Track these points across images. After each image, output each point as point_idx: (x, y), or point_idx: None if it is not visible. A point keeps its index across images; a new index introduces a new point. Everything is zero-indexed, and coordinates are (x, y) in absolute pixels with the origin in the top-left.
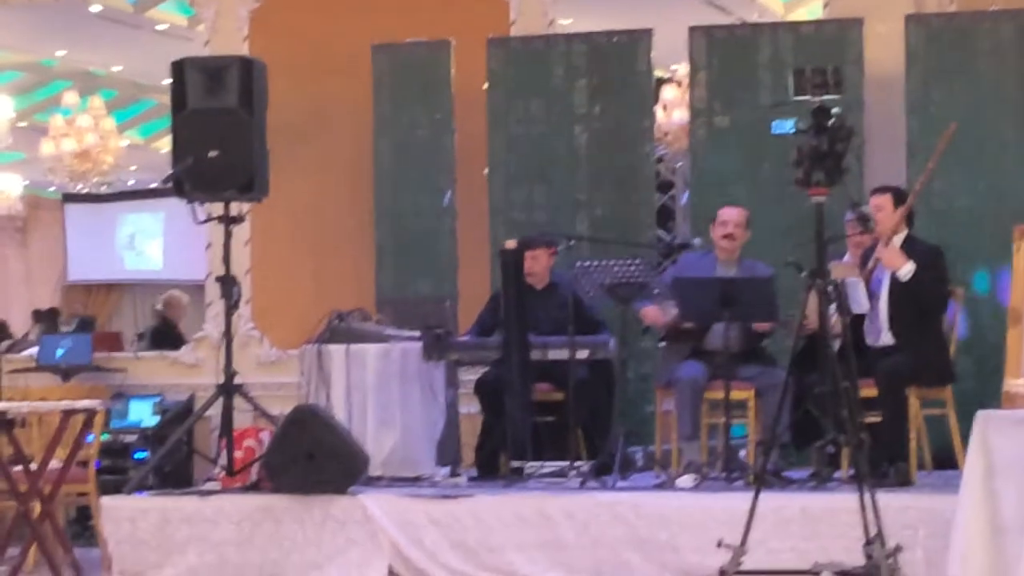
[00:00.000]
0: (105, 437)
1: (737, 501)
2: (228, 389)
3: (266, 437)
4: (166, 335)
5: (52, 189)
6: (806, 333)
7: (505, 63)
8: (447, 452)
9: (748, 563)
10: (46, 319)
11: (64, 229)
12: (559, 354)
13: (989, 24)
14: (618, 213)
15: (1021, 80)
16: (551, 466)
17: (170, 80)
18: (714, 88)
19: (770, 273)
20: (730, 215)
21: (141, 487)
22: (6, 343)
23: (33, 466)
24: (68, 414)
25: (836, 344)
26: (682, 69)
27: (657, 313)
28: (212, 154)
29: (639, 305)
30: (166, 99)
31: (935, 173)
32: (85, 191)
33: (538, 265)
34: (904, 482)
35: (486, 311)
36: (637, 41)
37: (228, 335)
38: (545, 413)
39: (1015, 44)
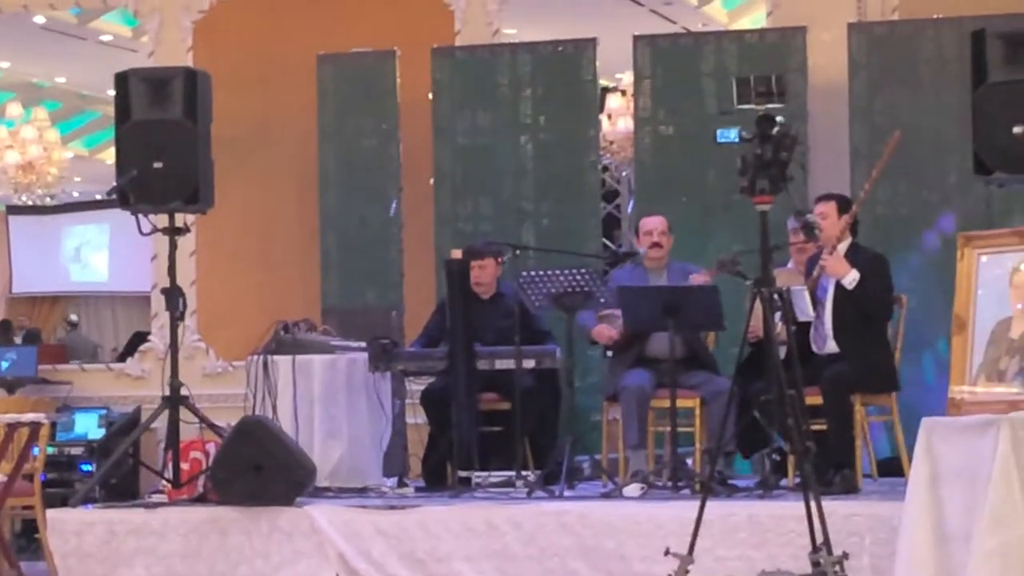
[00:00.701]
0: (51, 450)
1: (684, 509)
2: (174, 401)
3: (212, 449)
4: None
5: None
6: (751, 341)
7: (450, 73)
8: (394, 463)
9: (695, 571)
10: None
11: (8, 241)
12: (505, 364)
13: (931, 32)
14: (564, 222)
15: (963, 88)
16: (498, 476)
17: (114, 91)
18: (659, 97)
19: (699, 272)
20: (653, 224)
21: (87, 500)
22: None
23: None
24: (13, 427)
25: (781, 352)
26: (627, 78)
27: (609, 331)
28: (157, 165)
29: (585, 322)
30: (110, 110)
31: (879, 181)
32: (29, 203)
33: (486, 275)
34: (850, 489)
35: (432, 321)
36: (582, 50)
37: (174, 347)
38: (491, 423)
39: (957, 52)
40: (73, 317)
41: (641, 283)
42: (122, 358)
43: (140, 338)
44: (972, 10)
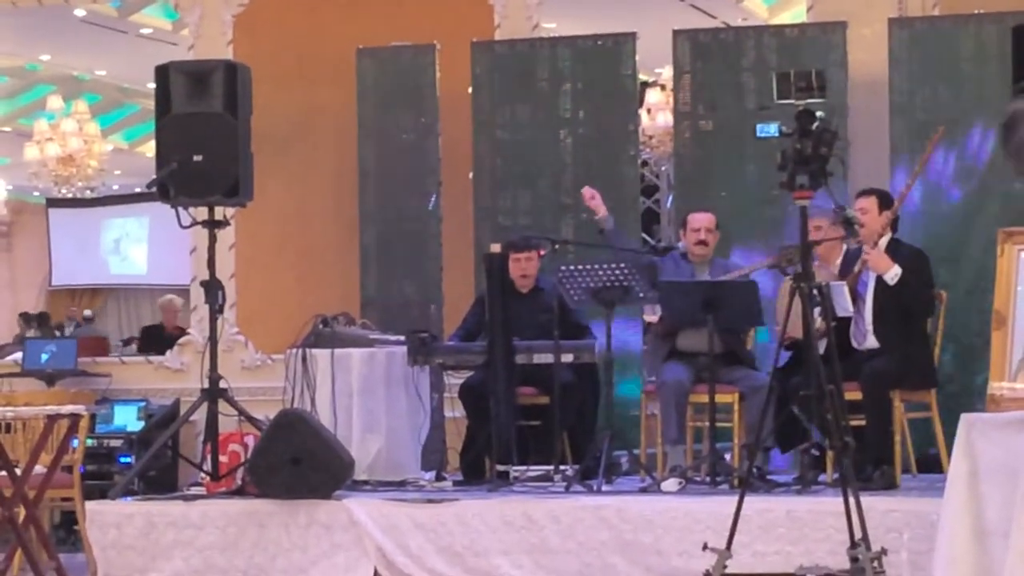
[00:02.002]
0: (90, 442)
1: (722, 504)
2: (213, 394)
3: (251, 442)
4: (157, 339)
5: (36, 194)
6: (788, 343)
7: (490, 67)
8: (432, 456)
9: (733, 566)
10: (39, 323)
11: (48, 234)
12: (544, 358)
13: (972, 27)
14: None
15: (1004, 83)
16: (536, 470)
17: (154, 84)
18: (698, 92)
19: (741, 268)
20: (701, 221)
21: (126, 492)
22: None
23: (18, 471)
24: (53, 419)
25: (821, 346)
26: (666, 73)
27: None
28: (196, 158)
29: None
30: (150, 103)
31: (920, 177)
32: (69, 196)
33: (532, 267)
34: (889, 485)
35: (470, 314)
36: (621, 45)
37: (213, 339)
38: (530, 417)
39: (998, 47)
40: (88, 312)
41: (687, 278)
42: (142, 350)
43: (153, 330)
44: (1014, 5)
